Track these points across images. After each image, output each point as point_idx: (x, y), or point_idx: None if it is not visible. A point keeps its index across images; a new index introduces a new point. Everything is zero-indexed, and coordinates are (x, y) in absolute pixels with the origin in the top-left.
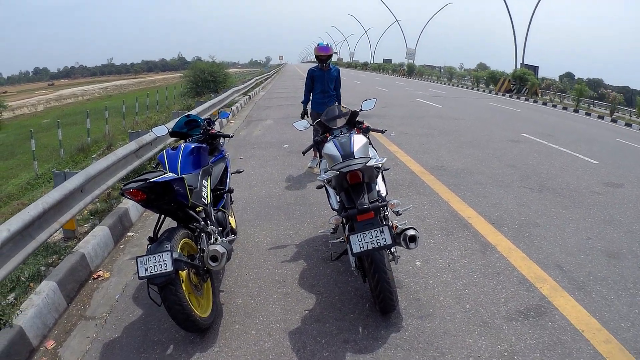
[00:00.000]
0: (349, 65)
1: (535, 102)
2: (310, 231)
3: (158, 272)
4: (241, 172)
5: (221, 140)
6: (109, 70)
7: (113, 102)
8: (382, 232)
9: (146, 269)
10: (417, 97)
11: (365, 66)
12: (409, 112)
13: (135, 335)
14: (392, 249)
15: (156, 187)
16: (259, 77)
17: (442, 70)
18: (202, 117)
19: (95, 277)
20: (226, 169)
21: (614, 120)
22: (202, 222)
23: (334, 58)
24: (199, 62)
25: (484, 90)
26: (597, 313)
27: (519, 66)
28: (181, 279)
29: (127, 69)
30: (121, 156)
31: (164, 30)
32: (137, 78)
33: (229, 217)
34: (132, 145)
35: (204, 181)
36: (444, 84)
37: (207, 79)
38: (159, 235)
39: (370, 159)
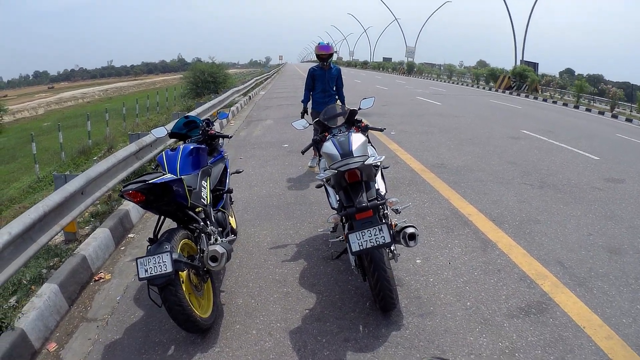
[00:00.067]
0: (348, 64)
1: (536, 98)
2: (310, 230)
3: (158, 273)
4: (240, 172)
5: (220, 140)
6: (108, 72)
7: (113, 104)
8: (380, 230)
9: (146, 270)
10: (417, 95)
11: (365, 65)
12: (409, 110)
13: (137, 336)
14: (392, 247)
15: (155, 188)
16: (258, 77)
17: (442, 68)
18: (201, 118)
19: (97, 279)
20: (225, 169)
21: (614, 116)
22: (202, 223)
23: (334, 57)
24: (198, 63)
25: (484, 88)
26: (599, 309)
27: (518, 63)
28: (181, 279)
29: (127, 71)
30: (121, 158)
31: (164, 32)
32: (137, 80)
33: (229, 217)
34: (132, 147)
35: (203, 182)
36: (444, 81)
37: (207, 79)
38: (158, 237)
39: (369, 157)
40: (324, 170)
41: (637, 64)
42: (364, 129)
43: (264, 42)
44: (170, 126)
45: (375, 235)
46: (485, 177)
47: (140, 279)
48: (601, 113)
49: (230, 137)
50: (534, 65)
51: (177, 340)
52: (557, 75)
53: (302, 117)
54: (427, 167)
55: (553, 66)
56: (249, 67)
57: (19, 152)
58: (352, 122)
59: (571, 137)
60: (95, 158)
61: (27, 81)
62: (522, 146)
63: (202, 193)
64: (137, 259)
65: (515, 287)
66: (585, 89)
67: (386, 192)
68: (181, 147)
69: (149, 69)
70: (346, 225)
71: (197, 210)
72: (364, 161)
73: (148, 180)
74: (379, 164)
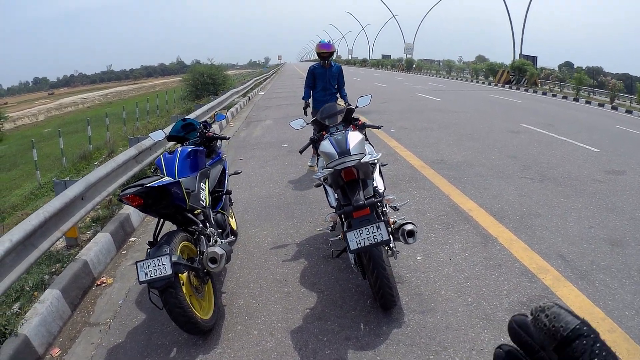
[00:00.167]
0: (347, 63)
1: (535, 92)
2: (311, 230)
3: (158, 276)
4: (239, 173)
5: (218, 142)
6: (108, 77)
7: (113, 109)
8: (378, 227)
9: (146, 273)
10: (416, 92)
11: (364, 62)
12: (408, 106)
13: (139, 339)
14: (391, 245)
15: (153, 191)
16: (258, 77)
17: (440, 64)
18: (199, 121)
19: (99, 283)
20: (224, 170)
21: (614, 108)
22: (201, 225)
23: (334, 56)
24: (197, 65)
25: (483, 83)
26: (601, 302)
27: (517, 57)
28: (181, 281)
29: (126, 75)
30: (121, 162)
31: (162, 35)
32: (136, 84)
33: (229, 218)
34: (131, 151)
35: (201, 184)
36: (443, 77)
37: (206, 81)
38: (158, 240)
39: (365, 155)
40: (322, 169)
41: (637, 55)
42: (361, 127)
43: (263, 42)
44: (168, 129)
45: (373, 233)
46: (485, 172)
47: (141, 282)
48: (601, 105)
49: (228, 138)
50: (533, 59)
51: (179, 342)
52: (556, 69)
53: (305, 112)
54: (427, 164)
55: (552, 59)
56: (248, 67)
57: (20, 159)
58: (350, 120)
59: (571, 130)
60: (96, 163)
61: (27, 88)
62: (522, 140)
63: (201, 195)
64: (136, 262)
65: (517, 282)
66: (585, 82)
67: (385, 189)
68: (179, 149)
69: (149, 72)
70: (345, 224)
71: (196, 212)
72: (360, 159)
73: (146, 184)
74: (376, 161)
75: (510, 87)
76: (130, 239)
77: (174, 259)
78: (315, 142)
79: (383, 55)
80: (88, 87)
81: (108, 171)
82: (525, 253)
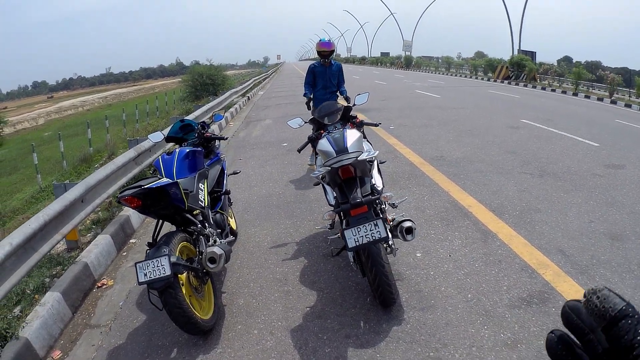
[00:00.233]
0: (346, 61)
1: (534, 87)
2: (310, 228)
3: (157, 277)
4: (238, 173)
5: (217, 142)
6: (107, 79)
7: (113, 111)
8: (376, 225)
9: (145, 274)
10: (415, 89)
11: (363, 61)
12: (407, 104)
13: (140, 340)
14: (390, 242)
15: (151, 192)
16: (257, 77)
17: (439, 60)
18: (199, 121)
19: (100, 285)
20: (222, 170)
21: (613, 102)
22: (200, 225)
23: (333, 54)
24: (196, 66)
25: (482, 79)
26: None
27: (515, 52)
28: (181, 282)
29: (125, 77)
30: (120, 164)
31: (161, 37)
32: (136, 85)
33: (229, 218)
34: (130, 153)
35: (200, 184)
36: (442, 74)
37: (205, 82)
38: (157, 240)
39: (362, 153)
40: (320, 168)
41: (636, 49)
42: (359, 125)
43: (262, 42)
44: (167, 131)
45: (370, 230)
46: (485, 168)
47: (140, 283)
48: (600, 99)
49: (226, 138)
50: (532, 54)
51: (179, 342)
52: (555, 64)
53: (309, 107)
54: (426, 160)
55: (551, 54)
56: (247, 67)
57: (20, 163)
58: (347, 118)
59: (570, 124)
60: (97, 165)
61: (26, 92)
62: (522, 135)
63: (200, 195)
64: (136, 263)
65: (517, 278)
66: (583, 76)
67: (383, 186)
68: (177, 150)
69: (148, 74)
70: (344, 222)
71: (194, 212)
72: (357, 157)
73: (144, 185)
74: (373, 159)
75: (509, 83)
76: (131, 241)
77: (173, 259)
78: (313, 141)
79: (382, 53)
80: (87, 89)
81: (107, 173)
82: (525, 248)
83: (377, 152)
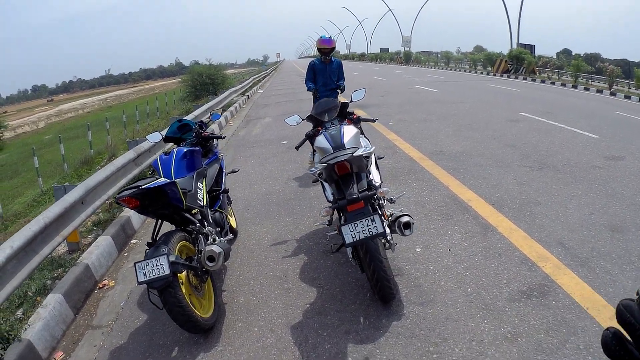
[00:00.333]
0: (346, 57)
1: (534, 80)
2: (310, 225)
3: (156, 276)
4: (236, 171)
5: (215, 141)
6: (107, 81)
7: (113, 113)
8: (373, 220)
9: (145, 274)
10: (415, 84)
11: (362, 57)
12: (407, 99)
13: (141, 340)
14: (388, 237)
15: (149, 193)
16: (256, 75)
17: (439, 55)
18: (196, 121)
19: (101, 286)
20: (221, 169)
21: (612, 94)
22: (198, 224)
23: (333, 51)
24: (196, 65)
25: (481, 73)
26: (602, 289)
27: (514, 46)
28: (180, 281)
29: (125, 78)
30: (120, 165)
31: (161, 38)
32: (136, 87)
33: (228, 217)
34: (130, 154)
35: (198, 183)
36: (442, 69)
37: (205, 82)
38: (157, 240)
39: (358, 148)
40: (317, 164)
41: (635, 41)
42: (356, 121)
43: (261, 40)
44: (165, 131)
45: (367, 226)
46: (485, 162)
47: (140, 283)
48: (599, 91)
49: (224, 137)
50: (531, 48)
51: (180, 341)
52: (555, 56)
53: (317, 98)
54: (426, 155)
55: (550, 47)
56: (247, 66)
57: (21, 167)
58: (345, 114)
59: (570, 116)
60: (98, 167)
61: (26, 96)
62: (521, 129)
63: (198, 194)
64: (135, 263)
65: (517, 271)
66: (583, 68)
67: (381, 182)
68: (175, 150)
69: (147, 74)
70: (342, 218)
71: (193, 212)
72: (352, 153)
73: (141, 186)
74: (369, 155)
75: (508, 76)
76: (132, 241)
77: (172, 258)
78: (311, 138)
79: (381, 49)
80: (87, 92)
81: (107, 175)
82: (525, 242)
83: (374, 147)
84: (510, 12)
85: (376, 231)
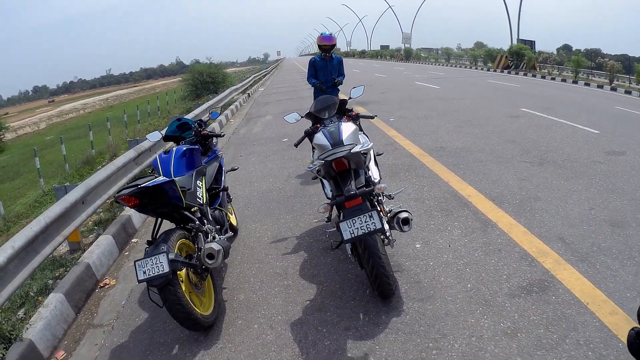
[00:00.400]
0: (346, 55)
1: (534, 76)
2: (310, 222)
3: (156, 274)
4: (236, 169)
5: (214, 140)
6: (108, 81)
7: (115, 113)
8: (371, 216)
9: (144, 272)
10: (415, 81)
11: (362, 54)
12: (407, 95)
13: (142, 338)
14: (387, 233)
15: (148, 191)
16: (257, 74)
17: (439, 52)
18: (199, 119)
19: (102, 285)
20: (220, 167)
21: (613, 89)
22: (198, 222)
23: (334, 48)
24: (196, 64)
25: (482, 69)
26: (602, 284)
27: (514, 42)
28: (180, 279)
29: (126, 78)
30: (120, 165)
31: (161, 37)
32: (136, 86)
33: (228, 214)
34: (130, 154)
35: (198, 181)
36: (442, 65)
37: (205, 80)
38: (156, 238)
39: (356, 145)
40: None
41: (635, 37)
42: (355, 118)
43: (262, 39)
44: (165, 130)
45: (365, 222)
46: (485, 158)
47: (140, 281)
48: (600, 87)
49: (223, 135)
50: (531, 43)
51: (180, 339)
52: (555, 52)
53: (324, 91)
54: (426, 151)
55: (551, 43)
56: (247, 64)
57: (23, 168)
58: (343, 111)
59: (570, 112)
60: (99, 167)
61: (27, 97)
62: (522, 124)
63: (198, 192)
64: (135, 261)
65: (517, 266)
66: (583, 64)
67: (380, 178)
68: (174, 149)
69: (148, 74)
70: (341, 215)
71: (193, 210)
72: (350, 149)
73: (140, 184)
74: (367, 151)
75: (509, 72)
76: (132, 240)
77: (171, 256)
78: (310, 135)
79: (382, 46)
80: (88, 92)
81: (108, 174)
82: (525, 237)
83: (372, 144)
84: (510, 8)
85: (374, 227)
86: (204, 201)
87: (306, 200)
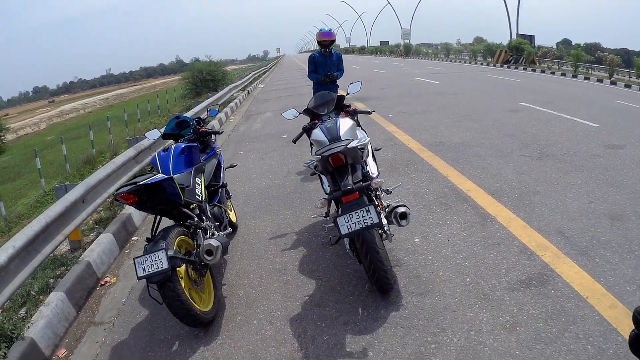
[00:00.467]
0: (346, 51)
1: (534, 70)
2: (309, 218)
3: (155, 271)
4: (234, 166)
5: (212, 137)
6: (108, 80)
7: (115, 112)
8: (368, 211)
9: (144, 269)
10: (415, 76)
11: (362, 50)
12: (406, 91)
13: (142, 335)
14: (385, 228)
15: (146, 189)
16: (256, 71)
17: (438, 47)
18: (199, 117)
19: (103, 283)
20: (219, 164)
21: (613, 83)
22: (196, 219)
23: (333, 44)
24: (196, 63)
25: (482, 64)
26: (602, 278)
27: (514, 37)
28: (179, 275)
29: (126, 77)
30: (120, 164)
31: (161, 36)
32: (136, 85)
33: (228, 211)
34: (130, 152)
35: (196, 178)
36: (442, 60)
37: (205, 78)
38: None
39: (352, 140)
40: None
41: (635, 30)
42: (352, 113)
43: (261, 36)
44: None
45: (363, 216)
46: (484, 152)
47: (139, 278)
48: (600, 81)
49: (221, 132)
50: (530, 38)
51: (180, 335)
52: (554, 46)
53: (330, 78)
54: (425, 146)
55: (550, 38)
56: (247, 62)
57: (24, 169)
58: (341, 107)
59: (570, 106)
60: (100, 166)
61: (27, 98)
62: (521, 118)
63: (196, 189)
64: (134, 258)
65: (516, 260)
66: (582, 58)
67: (378, 173)
68: (173, 147)
69: (148, 73)
70: (339, 210)
71: (192, 206)
72: (346, 145)
73: (139, 182)
74: (364, 146)
75: (508, 67)
76: (133, 238)
77: (170, 253)
78: (308, 131)
79: (381, 42)
80: (88, 92)
81: (108, 173)
82: (524, 231)
83: (368, 139)
84: (509, 2)
85: (371, 222)
86: (203, 198)
87: (305, 196)
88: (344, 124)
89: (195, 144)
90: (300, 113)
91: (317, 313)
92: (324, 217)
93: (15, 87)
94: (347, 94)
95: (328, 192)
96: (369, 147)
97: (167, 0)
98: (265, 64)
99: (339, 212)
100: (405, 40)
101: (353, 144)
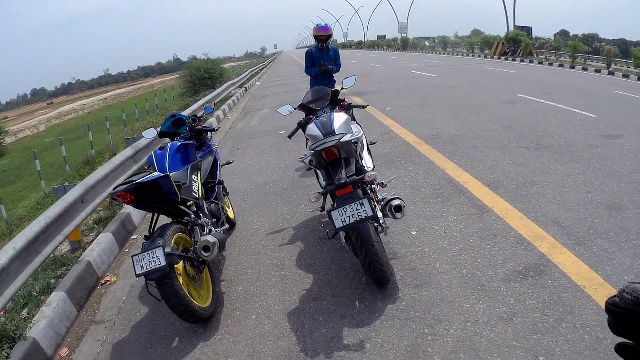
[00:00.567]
0: (343, 46)
1: (531, 62)
2: (306, 213)
3: (153, 268)
4: (231, 162)
5: (208, 134)
6: (106, 81)
7: (113, 112)
8: (362, 204)
9: (142, 266)
10: (412, 70)
11: (359, 45)
12: (403, 84)
13: (142, 332)
14: (380, 221)
15: (143, 187)
16: (254, 68)
17: (435, 40)
18: (197, 115)
19: (103, 282)
20: (215, 161)
21: (611, 73)
22: (193, 215)
23: (330, 39)
24: (194, 61)
25: (479, 56)
26: (599, 267)
27: (511, 28)
28: (178, 272)
29: (124, 77)
30: (118, 163)
31: (158, 35)
32: (134, 85)
33: (225, 207)
34: (127, 152)
35: (193, 176)
36: (439, 53)
37: (203, 76)
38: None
39: (346, 134)
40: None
41: (633, 21)
42: (347, 108)
43: (258, 32)
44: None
45: (357, 210)
46: (481, 144)
47: (137, 275)
48: (597, 71)
49: (216, 129)
50: (527, 29)
51: (180, 332)
52: (552, 37)
53: (327, 71)
54: (422, 139)
55: (548, 29)
56: (245, 59)
57: (23, 171)
58: (336, 102)
59: (567, 97)
60: (99, 167)
61: (26, 100)
62: (518, 110)
63: (193, 187)
64: (132, 256)
65: (512, 251)
66: (580, 49)
67: (373, 167)
68: (169, 145)
69: (146, 72)
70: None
71: (188, 204)
72: (339, 139)
73: (135, 180)
74: (359, 140)
75: (506, 59)
76: (132, 237)
77: (167, 250)
78: (303, 126)
79: (378, 36)
80: (87, 93)
81: (106, 172)
82: (520, 222)
83: (362, 133)
84: None
85: (365, 215)
86: (200, 195)
87: (303, 191)
88: (338, 118)
89: (191, 142)
90: (295, 108)
91: (314, 307)
92: (320, 211)
93: (14, 89)
94: (342, 88)
95: (323, 186)
96: (364, 140)
97: None
98: (262, 61)
99: (334, 206)
100: (402, 34)
101: (346, 137)
